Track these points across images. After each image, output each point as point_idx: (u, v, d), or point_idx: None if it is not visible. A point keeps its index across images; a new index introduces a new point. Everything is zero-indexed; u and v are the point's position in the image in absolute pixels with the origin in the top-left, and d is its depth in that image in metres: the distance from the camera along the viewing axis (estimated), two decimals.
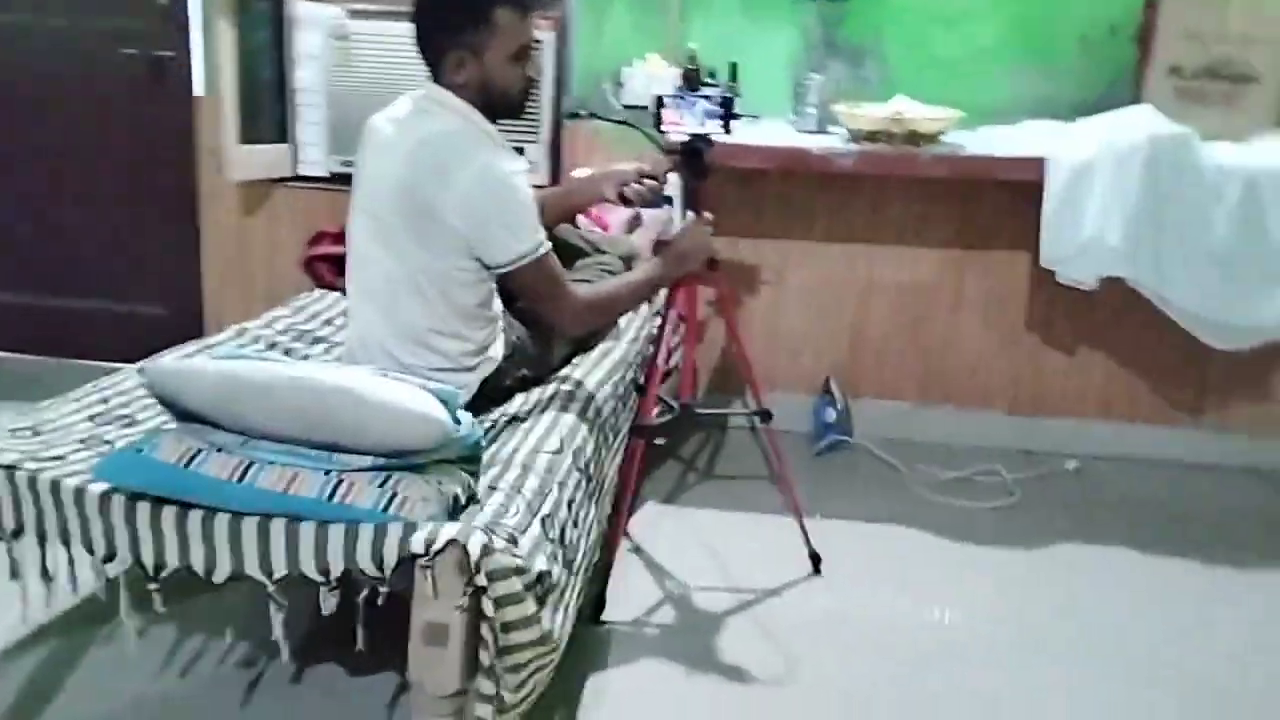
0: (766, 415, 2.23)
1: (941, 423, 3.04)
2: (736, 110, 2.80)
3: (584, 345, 2.31)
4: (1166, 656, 2.06)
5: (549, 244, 1.84)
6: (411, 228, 1.79)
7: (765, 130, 2.78)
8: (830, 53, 2.92)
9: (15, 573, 1.49)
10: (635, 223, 2.83)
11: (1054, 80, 2.86)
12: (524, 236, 1.79)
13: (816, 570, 2.27)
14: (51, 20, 3.16)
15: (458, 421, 1.45)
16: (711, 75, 2.90)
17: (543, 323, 2.01)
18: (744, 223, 2.99)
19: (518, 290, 1.90)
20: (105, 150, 3.25)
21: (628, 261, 2.67)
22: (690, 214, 2.12)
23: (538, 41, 1.91)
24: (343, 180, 2.97)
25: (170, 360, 1.46)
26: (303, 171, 3.12)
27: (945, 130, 2.60)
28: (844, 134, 2.69)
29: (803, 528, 2.27)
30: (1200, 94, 2.68)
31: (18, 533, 1.46)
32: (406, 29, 2.90)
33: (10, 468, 1.44)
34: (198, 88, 3.10)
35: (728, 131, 2.10)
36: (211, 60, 2.95)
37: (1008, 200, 2.81)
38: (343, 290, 2.14)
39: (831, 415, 2.96)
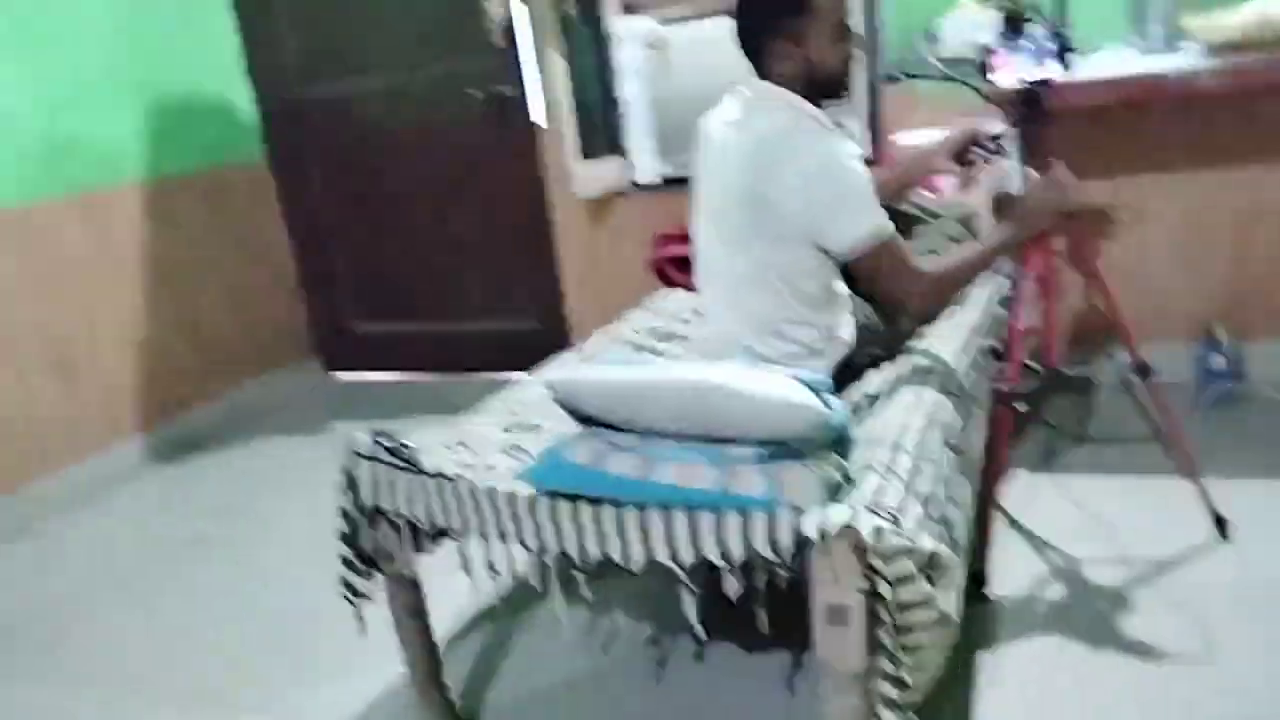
0: (1146, 370, 2.07)
1: None
2: (1071, 44, 2.65)
3: (930, 315, 2.28)
4: None
5: (892, 225, 1.84)
6: (754, 225, 1.85)
7: (1106, 60, 2.57)
8: None
9: (466, 568, 1.73)
10: (969, 181, 2.73)
11: None
12: (866, 220, 1.79)
13: (1223, 534, 2.08)
14: (408, 75, 3.58)
15: (829, 407, 1.50)
16: (1035, 10, 2.72)
17: (889, 304, 1.99)
18: (1092, 163, 2.77)
19: (864, 274, 1.87)
20: (465, 187, 3.64)
21: (966, 223, 2.59)
22: (1032, 170, 2.00)
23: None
24: (675, 183, 3.15)
25: (572, 373, 1.63)
26: (638, 180, 3.31)
27: None
28: (1199, 49, 2.42)
29: (1202, 488, 2.08)
30: None
31: (464, 533, 1.70)
32: (715, 29, 3.05)
33: (454, 479, 1.67)
34: (537, 116, 3.38)
35: (1066, 69, 1.97)
36: (548, 89, 3.21)
37: None
38: (688, 287, 2.25)
39: (1219, 361, 2.69)
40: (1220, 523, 2.09)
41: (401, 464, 1.70)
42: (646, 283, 3.03)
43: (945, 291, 1.98)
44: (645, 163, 3.27)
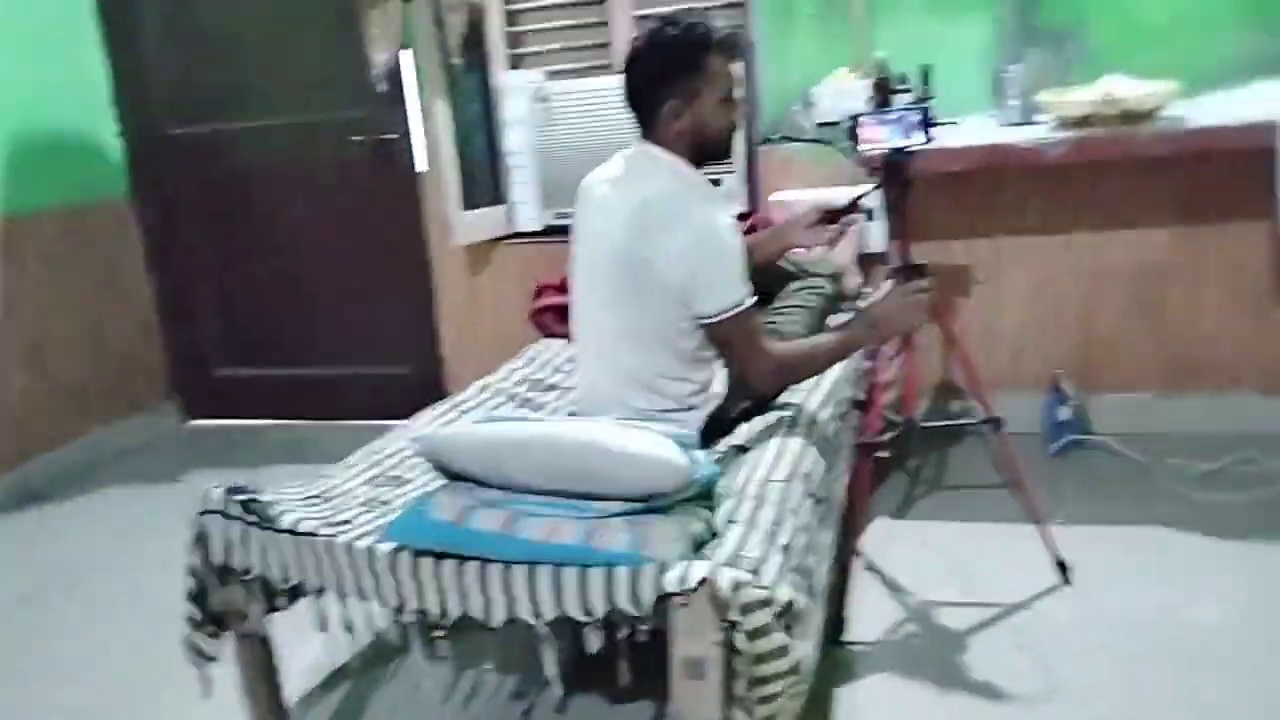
0: (997, 423, 2.18)
1: (1189, 411, 2.87)
2: (934, 115, 2.79)
3: (769, 395, 2.35)
4: None
5: (754, 298, 1.88)
6: (631, 285, 1.88)
7: (967, 130, 2.72)
8: (1028, 39, 2.82)
9: (323, 625, 1.69)
10: (834, 241, 2.84)
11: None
12: (733, 291, 1.83)
13: (1066, 579, 2.20)
14: (289, 118, 3.54)
15: (694, 463, 1.53)
16: (903, 81, 2.86)
17: (734, 376, 1.99)
18: (953, 224, 2.94)
19: (717, 341, 1.90)
20: (344, 229, 3.59)
21: (835, 280, 2.69)
22: (890, 282, 2.05)
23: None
24: (556, 232, 3.18)
25: (439, 430, 1.63)
26: (519, 228, 3.34)
27: (1162, 105, 2.46)
28: (1051, 122, 2.60)
29: (1046, 535, 2.20)
30: None
31: (320, 590, 1.66)
32: (600, 85, 3.12)
33: (310, 535, 1.64)
34: (420, 163, 3.38)
35: (929, 140, 2.08)
36: (431, 137, 3.22)
37: (1238, 168, 2.63)
38: (567, 337, 2.27)
39: (1065, 413, 2.85)
40: (1062, 567, 2.20)
41: (255, 520, 1.66)
42: (526, 332, 3.03)
43: (788, 377, 2.00)
44: (527, 212, 3.29)
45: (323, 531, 1.64)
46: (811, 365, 2.01)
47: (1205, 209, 2.74)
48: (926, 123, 2.05)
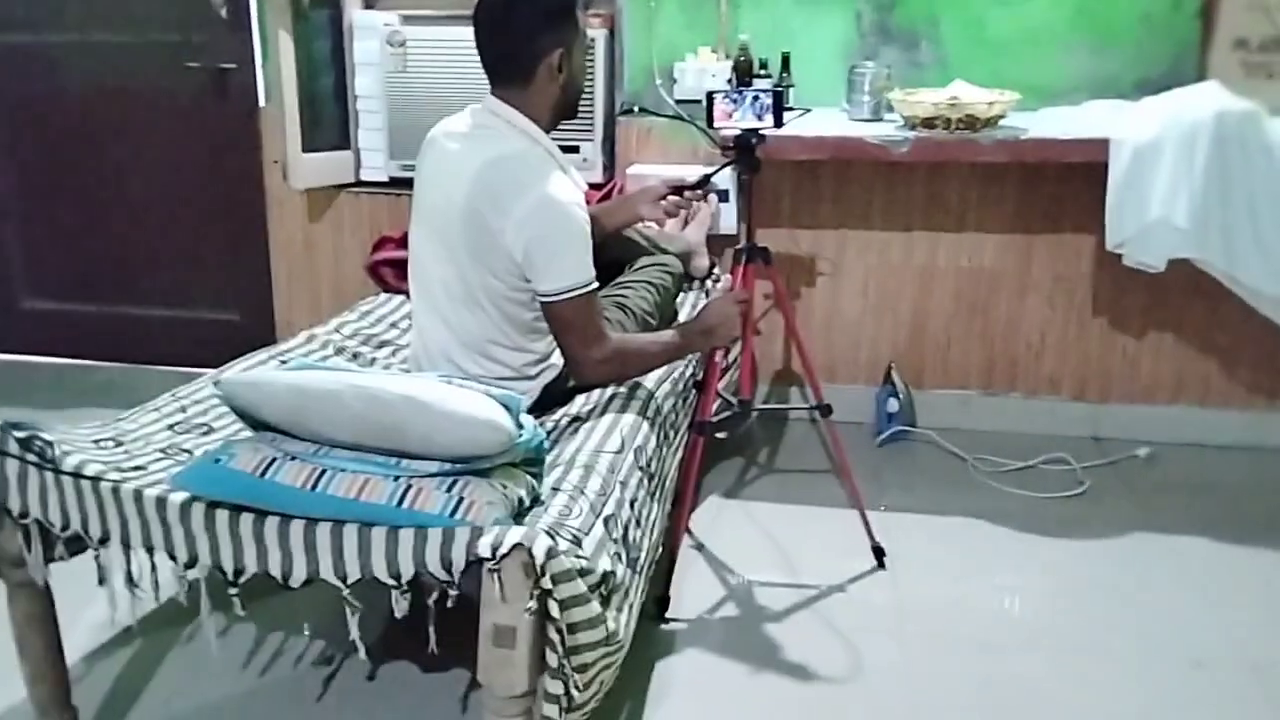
0: (826, 410, 2.22)
1: (1007, 411, 3.01)
2: (789, 102, 2.82)
3: (598, 383, 2.33)
4: (1241, 648, 2.01)
5: (596, 283, 1.83)
6: (472, 247, 1.81)
7: (819, 120, 2.76)
8: (883, 39, 2.88)
9: (102, 579, 1.55)
10: (685, 219, 2.83)
11: (1116, 58, 2.79)
12: (575, 271, 1.78)
13: (880, 564, 2.26)
14: (114, 36, 3.27)
15: (520, 427, 1.48)
16: (763, 66, 2.89)
17: (567, 358, 1.91)
18: (801, 213, 2.98)
19: (554, 321, 1.84)
20: (174, 162, 3.35)
21: (685, 260, 2.68)
22: (722, 284, 2.05)
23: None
24: (403, 184, 3.05)
25: (243, 373, 1.51)
26: (364, 177, 3.19)
27: (1004, 113, 2.55)
28: (899, 121, 2.66)
29: (865, 521, 2.26)
30: (1267, 68, 2.61)
31: (103, 540, 1.53)
32: (460, 34, 3.00)
33: (95, 479, 1.50)
34: (261, 98, 3.18)
35: (779, 125, 2.09)
36: (272, 71, 3.03)
37: (1071, 182, 2.76)
38: (406, 294, 2.17)
39: (894, 405, 2.94)
40: (879, 553, 2.27)
41: (35, 460, 1.51)
42: (365, 285, 2.91)
43: (619, 370, 1.94)
44: (374, 160, 3.15)
45: (109, 476, 1.51)
46: (643, 363, 1.98)
47: (1036, 219, 2.87)
48: (778, 107, 2.05)
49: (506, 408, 1.46)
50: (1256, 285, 2.49)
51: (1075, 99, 2.79)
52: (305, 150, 3.04)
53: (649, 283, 2.39)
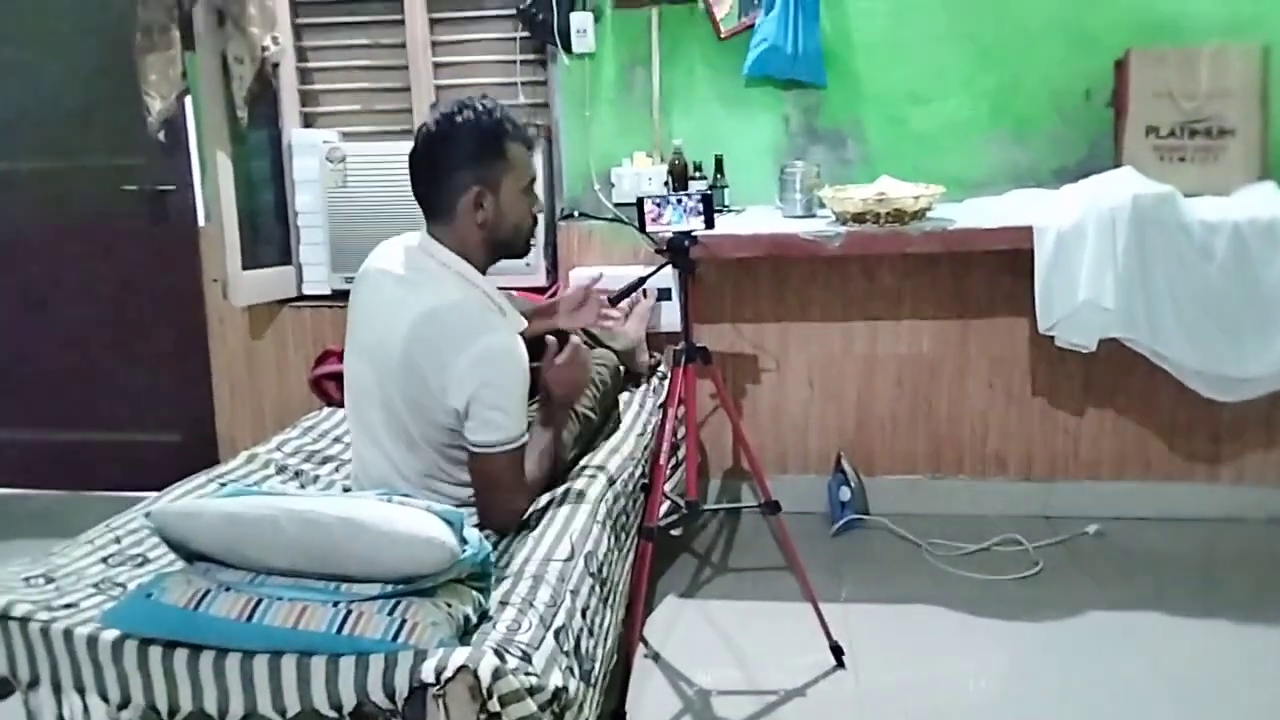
0: (775, 507, 2.22)
1: (957, 494, 3.03)
2: (721, 202, 2.90)
3: (590, 446, 2.32)
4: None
5: (526, 438, 1.83)
6: (410, 397, 1.81)
7: (753, 219, 2.83)
8: (811, 139, 2.98)
9: None
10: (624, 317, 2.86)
11: (1034, 148, 2.91)
12: (508, 425, 1.78)
13: (840, 662, 2.23)
14: (50, 163, 3.28)
15: (464, 542, 1.45)
16: (698, 168, 2.97)
17: (482, 511, 1.86)
18: (743, 309, 3.03)
19: (478, 474, 1.81)
20: (112, 284, 3.34)
21: (628, 356, 2.70)
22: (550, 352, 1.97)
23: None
24: (344, 296, 3.04)
25: (173, 504, 1.48)
26: (307, 291, 3.19)
27: (930, 206, 2.64)
28: (831, 216, 2.73)
29: (821, 619, 2.23)
30: (1178, 151, 2.73)
31: (33, 684, 1.46)
32: (397, 149, 3.04)
33: (23, 619, 1.45)
34: (200, 218, 3.19)
35: (709, 226, 2.14)
36: (211, 191, 3.04)
37: (1000, 269, 2.85)
38: None
39: (846, 494, 2.95)
40: (837, 651, 2.24)
41: None
42: (310, 401, 2.88)
43: (527, 505, 1.91)
44: (315, 274, 3.15)
45: (39, 616, 1.46)
46: (547, 466, 1.96)
47: (970, 304, 2.94)
48: (708, 209, 2.10)
49: (449, 523, 1.44)
50: (1181, 360, 2.56)
51: (997, 189, 2.89)
52: (246, 267, 3.04)
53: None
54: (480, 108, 1.81)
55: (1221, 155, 2.71)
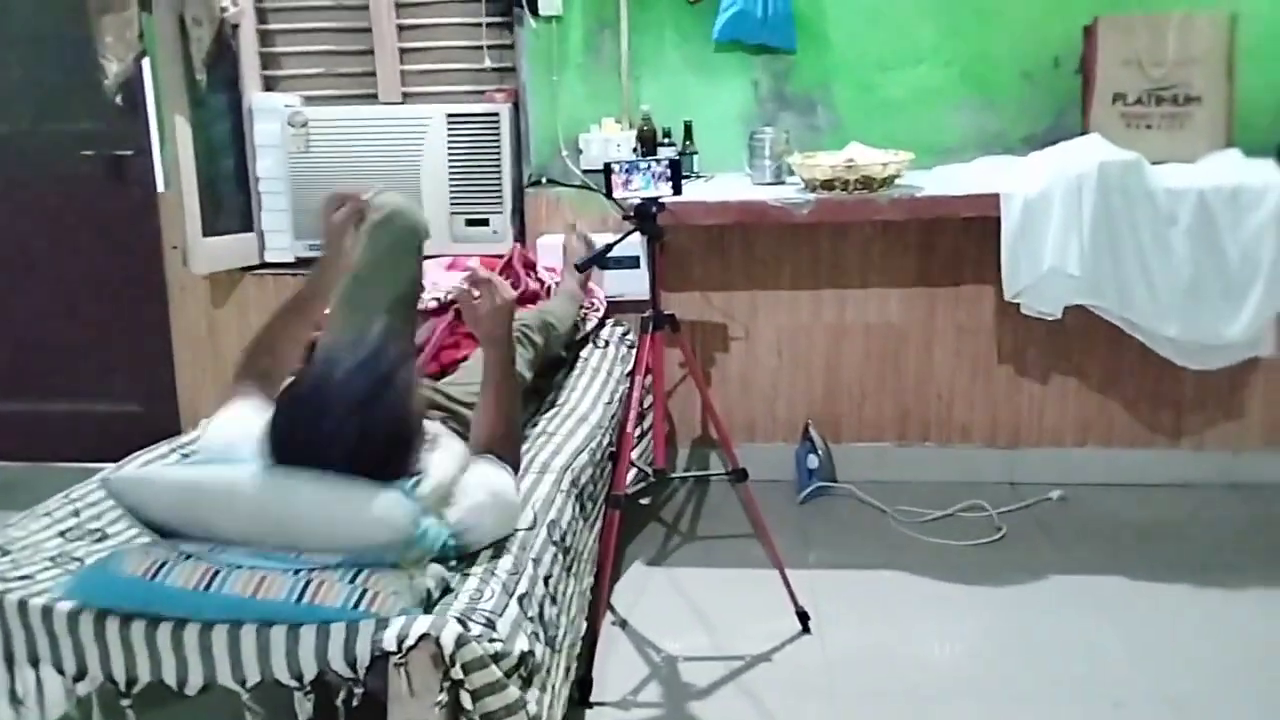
0: (742, 475, 2.22)
1: (923, 461, 3.05)
2: (690, 169, 2.87)
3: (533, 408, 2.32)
4: (1159, 686, 2.04)
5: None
6: None
7: (722, 185, 2.81)
8: (781, 105, 2.96)
9: None
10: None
11: (1002, 116, 2.90)
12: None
13: (805, 627, 2.25)
14: (8, 126, 3.20)
15: (421, 520, 1.43)
16: (667, 135, 2.94)
17: None
18: (712, 277, 3.02)
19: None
20: (71, 252, 3.26)
21: (561, 313, 2.68)
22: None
23: None
24: (307, 264, 3.00)
25: (131, 470, 1.45)
26: (269, 259, 3.14)
27: (899, 173, 2.63)
28: (800, 184, 2.72)
29: (788, 586, 2.24)
30: (1145, 119, 2.74)
31: None
32: (361, 114, 3.01)
33: None
34: (159, 184, 3.12)
35: (677, 192, 2.12)
36: (170, 156, 2.98)
37: (968, 236, 2.85)
38: None
39: (814, 462, 2.96)
40: (803, 616, 2.25)
41: None
42: None
43: (512, 438, 1.84)
44: (278, 241, 3.10)
45: None
46: (510, 409, 1.85)
47: (938, 272, 2.95)
48: (676, 175, 2.08)
49: (409, 498, 1.43)
50: (1150, 326, 2.58)
51: (966, 156, 2.89)
52: (206, 234, 2.99)
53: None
54: (372, 396, 1.43)
55: (1188, 123, 2.72)
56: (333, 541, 1.35)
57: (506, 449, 1.78)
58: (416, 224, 2.20)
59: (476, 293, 1.81)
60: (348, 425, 1.39)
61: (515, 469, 1.81)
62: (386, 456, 1.44)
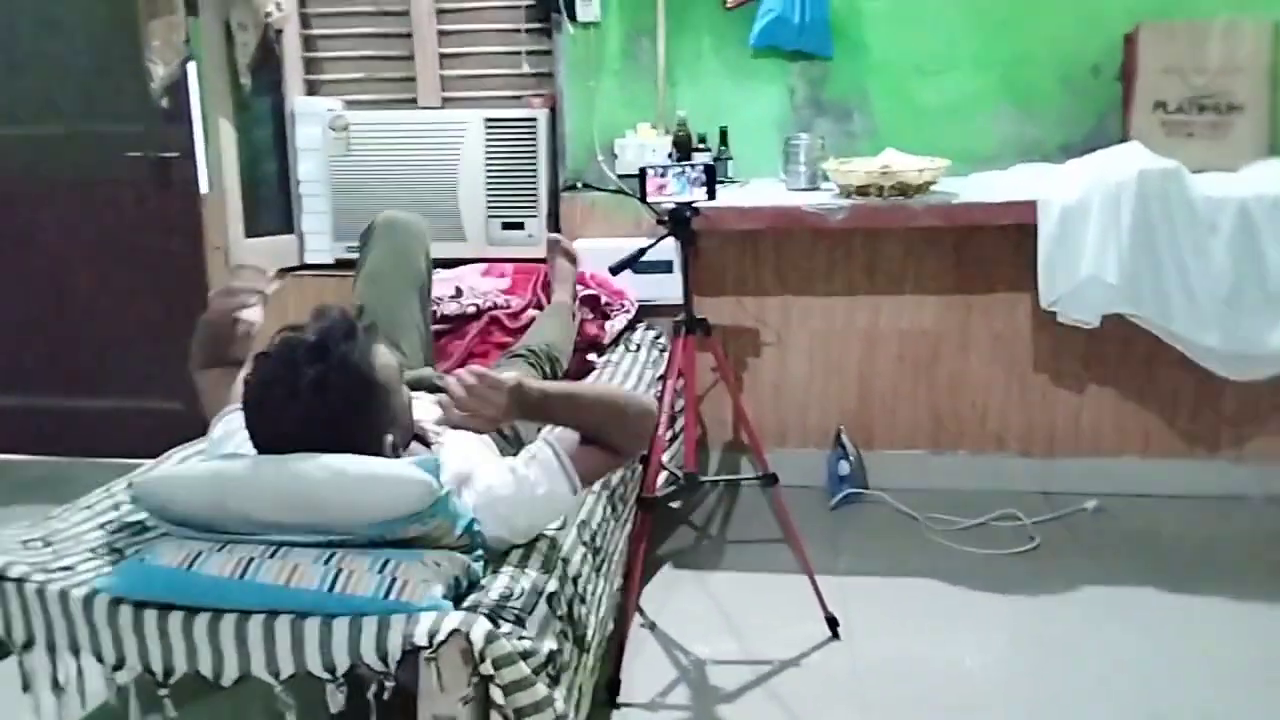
0: (772, 479, 2.22)
1: (956, 469, 3.02)
2: (725, 174, 2.88)
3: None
4: (1196, 698, 2.01)
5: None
6: None
7: (757, 191, 2.82)
8: (817, 111, 2.96)
9: (27, 685, 1.50)
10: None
11: (1040, 123, 2.88)
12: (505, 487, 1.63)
13: (835, 633, 2.24)
14: (54, 128, 3.27)
15: (441, 484, 1.45)
16: (702, 140, 2.95)
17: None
18: (745, 282, 3.02)
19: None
20: (116, 252, 3.33)
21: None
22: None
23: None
24: (346, 266, 3.05)
25: (151, 474, 1.48)
26: (309, 260, 3.19)
27: (935, 180, 2.62)
28: (835, 190, 2.72)
29: (817, 591, 2.24)
30: (1186, 127, 2.70)
31: (29, 645, 1.48)
32: (402, 118, 3.04)
33: (20, 580, 1.46)
34: (203, 186, 3.18)
35: (711, 197, 2.13)
36: (214, 159, 3.04)
37: (1004, 244, 2.83)
38: None
39: (845, 468, 2.95)
40: (832, 622, 2.25)
41: None
42: None
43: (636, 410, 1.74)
44: (318, 243, 3.15)
45: (34, 577, 1.47)
46: (613, 414, 1.72)
47: (973, 279, 2.93)
48: (710, 180, 2.09)
49: (426, 470, 1.44)
50: (1189, 335, 2.55)
51: (1003, 163, 2.87)
52: (248, 235, 3.04)
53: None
54: (327, 357, 1.46)
55: (1229, 131, 2.69)
56: (357, 512, 1.37)
57: (613, 433, 1.67)
58: (419, 222, 2.41)
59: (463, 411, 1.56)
60: (313, 408, 1.43)
61: (625, 452, 1.72)
62: (355, 423, 1.47)
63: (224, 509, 1.39)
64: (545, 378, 2.36)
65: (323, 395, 1.43)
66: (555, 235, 2.81)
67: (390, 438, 1.53)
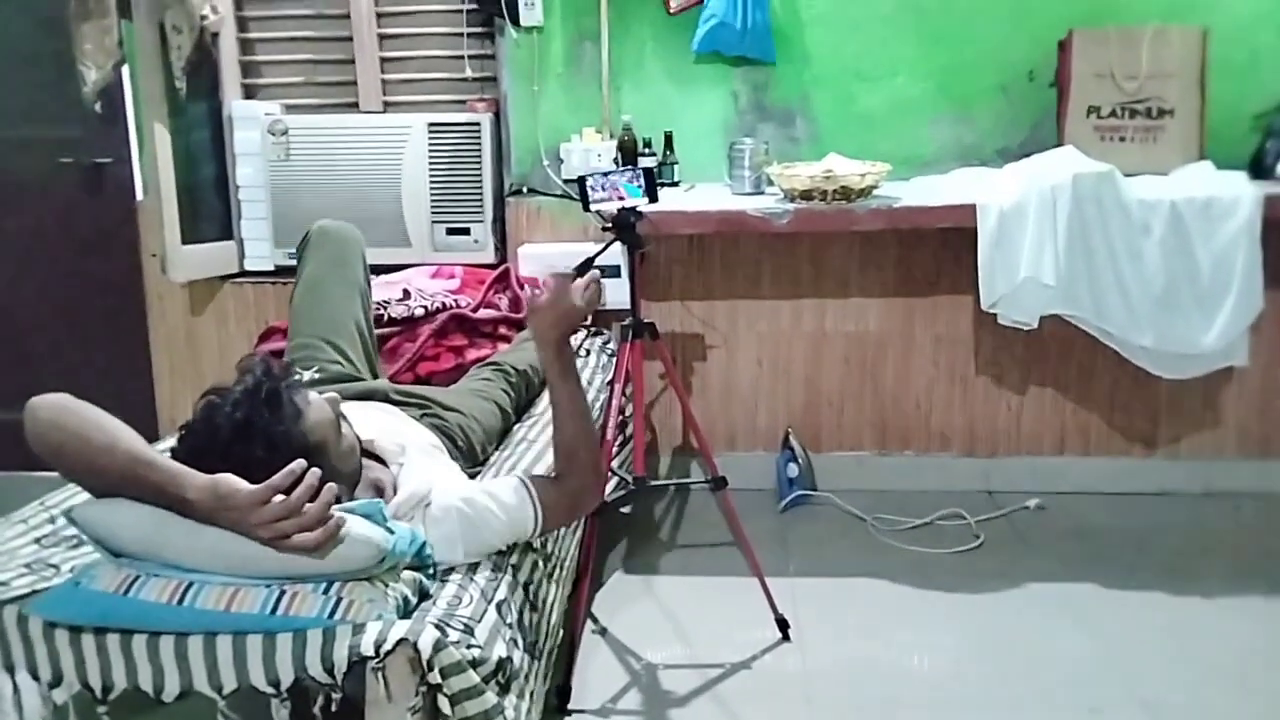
0: (721, 483, 2.23)
1: (902, 470, 3.07)
2: (670, 179, 2.89)
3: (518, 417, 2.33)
4: (1134, 691, 2.06)
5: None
6: None
7: (703, 195, 2.83)
8: (760, 116, 2.99)
9: None
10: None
11: (978, 128, 2.94)
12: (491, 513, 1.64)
13: (785, 635, 2.25)
14: None
15: (391, 532, 1.42)
16: (647, 145, 2.95)
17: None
18: (693, 286, 3.03)
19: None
20: (49, 259, 3.24)
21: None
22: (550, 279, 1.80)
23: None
24: (287, 272, 3.00)
25: (94, 502, 1.42)
26: (249, 267, 3.13)
27: (877, 184, 2.65)
28: (779, 194, 2.74)
29: (767, 594, 2.25)
30: (1119, 131, 2.77)
31: None
32: (342, 122, 3.00)
33: None
34: (138, 192, 3.11)
35: (653, 201, 2.13)
36: (149, 164, 2.96)
37: (945, 247, 2.88)
38: None
39: (794, 470, 2.97)
40: (782, 624, 2.26)
41: None
42: None
43: (591, 466, 1.74)
44: (258, 249, 3.10)
45: None
46: (589, 432, 1.75)
47: (916, 282, 2.97)
48: (650, 184, 2.08)
49: (368, 516, 1.41)
50: (1125, 335, 2.61)
51: (943, 168, 2.92)
52: (185, 242, 2.98)
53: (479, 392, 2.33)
54: (246, 442, 1.43)
55: (1161, 135, 2.76)
56: (301, 571, 1.33)
57: (572, 468, 1.70)
58: (352, 230, 2.38)
59: (540, 289, 1.79)
60: (243, 457, 1.40)
61: (581, 492, 1.72)
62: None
63: (172, 550, 1.34)
64: (520, 398, 2.36)
65: (251, 475, 1.36)
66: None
67: (377, 505, 1.45)
